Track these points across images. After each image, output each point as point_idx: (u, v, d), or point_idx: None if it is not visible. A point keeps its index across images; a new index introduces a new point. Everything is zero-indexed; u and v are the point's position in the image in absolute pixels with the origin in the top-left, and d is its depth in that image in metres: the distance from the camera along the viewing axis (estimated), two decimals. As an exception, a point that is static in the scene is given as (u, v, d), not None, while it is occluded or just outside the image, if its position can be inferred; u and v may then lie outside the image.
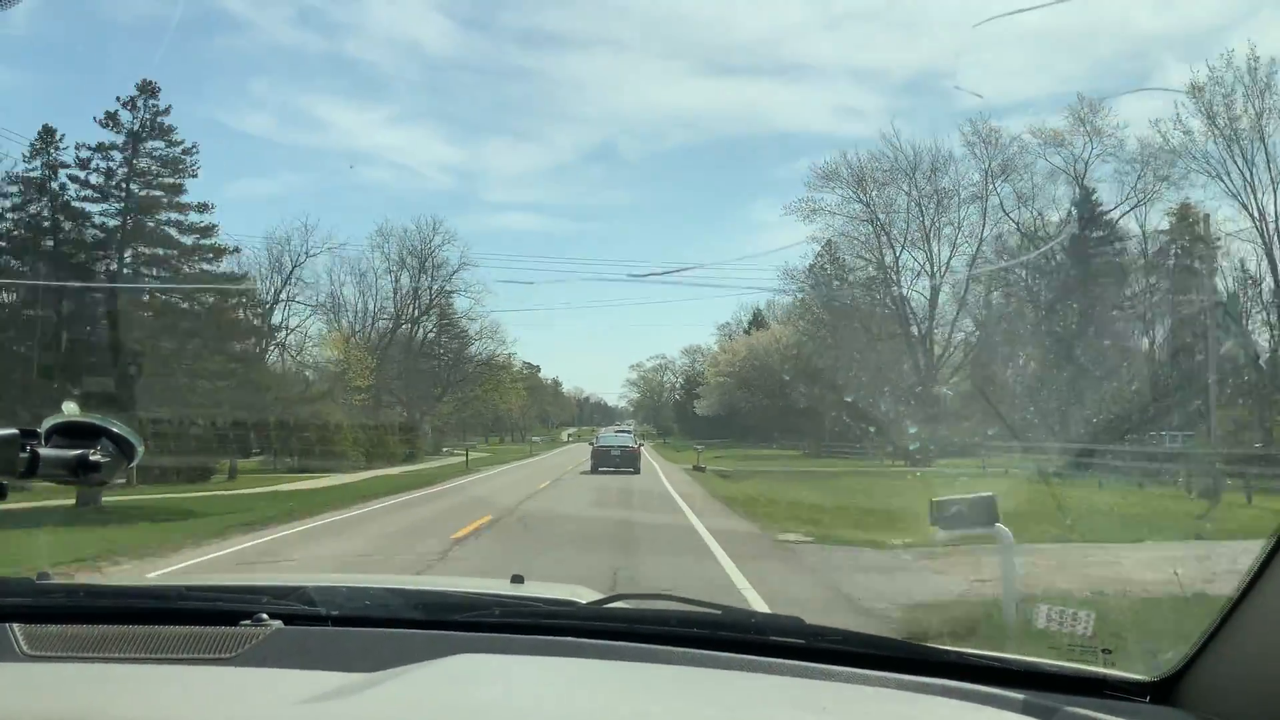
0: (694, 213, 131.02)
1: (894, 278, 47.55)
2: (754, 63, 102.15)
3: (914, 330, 46.59)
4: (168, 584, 2.78)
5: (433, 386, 56.08)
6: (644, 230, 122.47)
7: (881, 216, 47.21)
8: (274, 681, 1.47)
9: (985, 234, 46.06)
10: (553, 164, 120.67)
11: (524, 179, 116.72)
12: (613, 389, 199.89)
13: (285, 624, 1.71)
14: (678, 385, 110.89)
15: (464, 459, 44.94)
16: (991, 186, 44.97)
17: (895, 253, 47.90)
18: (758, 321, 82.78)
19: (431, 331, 58.30)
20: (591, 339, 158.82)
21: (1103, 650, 2.02)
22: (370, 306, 54.03)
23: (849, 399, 45.12)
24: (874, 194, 46.99)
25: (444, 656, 1.54)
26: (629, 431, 46.58)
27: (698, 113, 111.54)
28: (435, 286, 55.46)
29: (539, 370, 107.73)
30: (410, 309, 55.47)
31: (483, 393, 61.95)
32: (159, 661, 1.57)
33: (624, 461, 33.15)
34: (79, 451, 1.26)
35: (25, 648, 1.60)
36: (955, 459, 33.03)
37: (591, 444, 39.88)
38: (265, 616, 1.72)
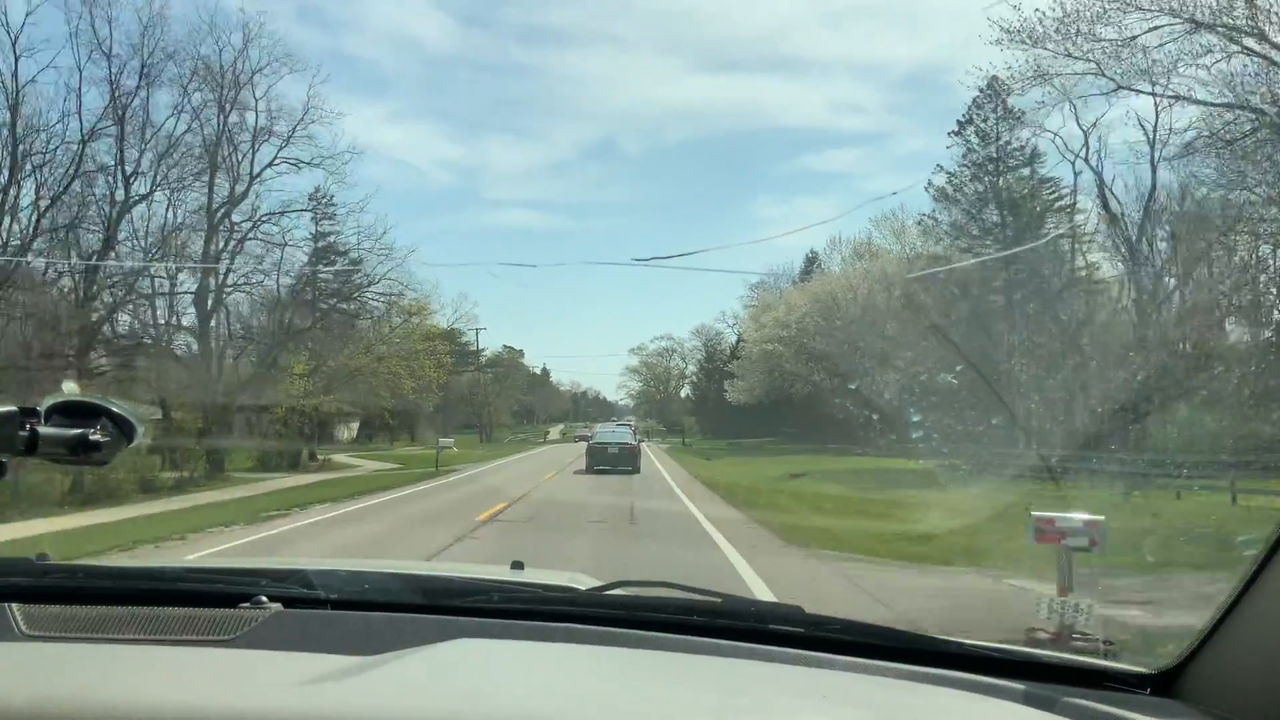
0: (694, 208, 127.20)
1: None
2: (754, 58, 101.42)
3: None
4: (167, 565, 2.66)
5: (254, 344, 30.34)
6: (645, 226, 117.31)
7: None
8: (272, 663, 1.47)
9: None
10: (553, 160, 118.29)
11: (524, 176, 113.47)
12: (611, 383, 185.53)
13: (284, 606, 1.71)
14: (688, 371, 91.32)
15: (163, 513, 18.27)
16: None
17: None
18: (815, 265, 58.24)
19: (251, 235, 30.67)
20: (589, 331, 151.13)
21: (1104, 642, 2.12)
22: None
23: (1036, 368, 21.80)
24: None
25: (442, 641, 1.54)
26: (628, 426, 42.00)
27: (697, 108, 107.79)
28: (252, 150, 29.31)
29: (522, 355, 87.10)
30: (181, 175, 28.50)
31: (373, 361, 34.09)
32: (158, 642, 1.56)
33: (622, 460, 30.11)
34: (79, 430, 1.24)
35: (24, 627, 1.59)
36: None
37: (586, 440, 36.68)
38: (264, 599, 1.71)
